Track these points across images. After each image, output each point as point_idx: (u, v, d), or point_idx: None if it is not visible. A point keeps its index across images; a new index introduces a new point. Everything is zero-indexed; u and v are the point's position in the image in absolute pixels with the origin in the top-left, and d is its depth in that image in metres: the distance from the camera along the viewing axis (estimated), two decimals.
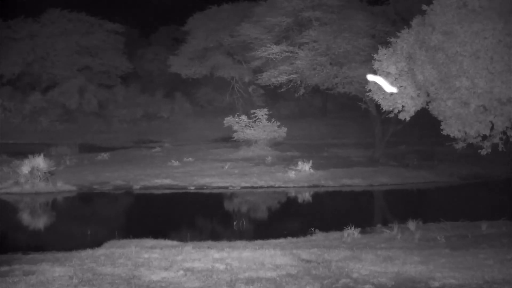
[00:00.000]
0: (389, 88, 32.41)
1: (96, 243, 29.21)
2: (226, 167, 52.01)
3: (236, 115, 64.61)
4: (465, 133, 30.04)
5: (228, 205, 44.01)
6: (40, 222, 39.13)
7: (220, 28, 79.29)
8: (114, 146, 65.54)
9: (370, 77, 33.71)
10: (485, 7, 29.58)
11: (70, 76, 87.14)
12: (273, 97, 78.79)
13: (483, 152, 30.25)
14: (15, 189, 43.04)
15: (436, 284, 22.78)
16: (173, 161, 53.89)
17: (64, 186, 43.99)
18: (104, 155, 57.71)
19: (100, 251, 27.63)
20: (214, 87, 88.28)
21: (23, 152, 47.08)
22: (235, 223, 38.81)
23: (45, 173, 43.75)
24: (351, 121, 74.66)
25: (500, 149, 30.29)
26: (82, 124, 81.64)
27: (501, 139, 30.01)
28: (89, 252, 27.30)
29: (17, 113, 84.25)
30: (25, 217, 39.80)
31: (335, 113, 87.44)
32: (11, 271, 23.99)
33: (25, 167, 43.56)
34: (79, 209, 42.46)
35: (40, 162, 43.77)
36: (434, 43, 30.32)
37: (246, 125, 63.78)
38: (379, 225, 32.87)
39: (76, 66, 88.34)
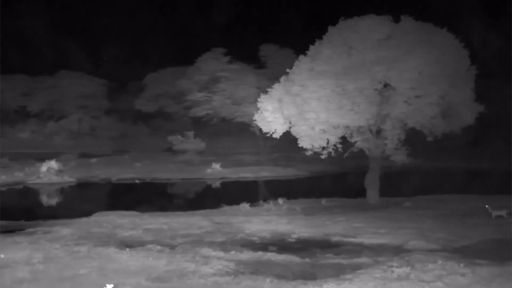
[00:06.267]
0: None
1: (89, 214, 28.61)
2: (170, 166, 51.59)
3: (176, 135, 64.76)
4: (312, 145, 30.48)
5: (170, 190, 43.72)
6: (53, 201, 38.32)
7: (167, 82, 78.30)
8: (101, 154, 63.99)
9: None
10: (325, 70, 30.14)
11: (73, 111, 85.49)
12: (198, 123, 78.07)
13: (323, 156, 30.75)
14: (38, 181, 42.17)
15: (296, 236, 23.13)
16: (136, 163, 53.05)
17: (68, 179, 43.30)
18: (94, 160, 56.54)
19: (91, 219, 27.24)
20: (163, 117, 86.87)
21: (43, 158, 45.99)
22: (175, 200, 38.70)
23: (56, 171, 43.08)
24: (244, 138, 73.70)
25: (333, 155, 30.85)
26: (80, 140, 79.74)
27: (333, 149, 30.63)
28: (84, 219, 26.92)
29: (40, 134, 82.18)
30: (44, 198, 38.97)
31: (234, 134, 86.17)
32: (36, 231, 23.55)
33: (44, 167, 43.07)
34: (78, 193, 41.61)
35: (53, 164, 43.30)
36: (294, 91, 30.70)
37: (181, 141, 63.99)
38: (261, 201, 32.79)
39: (77, 105, 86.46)
